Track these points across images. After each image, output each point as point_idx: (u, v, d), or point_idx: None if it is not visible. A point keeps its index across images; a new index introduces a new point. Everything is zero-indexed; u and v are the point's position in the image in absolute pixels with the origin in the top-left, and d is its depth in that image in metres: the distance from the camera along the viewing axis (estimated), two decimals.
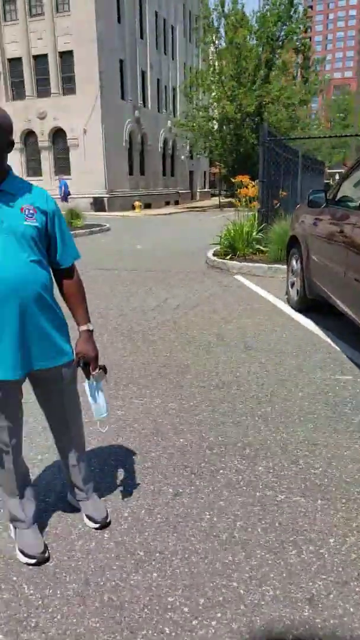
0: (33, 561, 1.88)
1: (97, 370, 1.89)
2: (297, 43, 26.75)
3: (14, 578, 1.84)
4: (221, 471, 2.48)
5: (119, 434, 2.84)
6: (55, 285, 1.85)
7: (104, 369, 1.91)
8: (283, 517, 2.14)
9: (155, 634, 1.60)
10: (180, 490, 2.33)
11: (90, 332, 1.86)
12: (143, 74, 31.25)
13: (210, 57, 28.05)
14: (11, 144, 1.69)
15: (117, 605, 1.70)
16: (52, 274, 1.81)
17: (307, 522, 2.11)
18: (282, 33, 26.05)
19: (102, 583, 1.80)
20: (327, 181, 24.06)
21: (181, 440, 2.78)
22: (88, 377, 1.89)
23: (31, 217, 1.69)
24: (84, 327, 1.85)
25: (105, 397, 1.98)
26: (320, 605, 1.71)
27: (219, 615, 1.67)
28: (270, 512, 2.17)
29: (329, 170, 28.83)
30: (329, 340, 4.48)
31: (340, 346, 4.30)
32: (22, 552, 1.92)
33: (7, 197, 1.68)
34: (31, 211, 1.70)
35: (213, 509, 2.20)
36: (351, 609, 1.69)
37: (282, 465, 2.52)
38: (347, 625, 1.63)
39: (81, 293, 1.87)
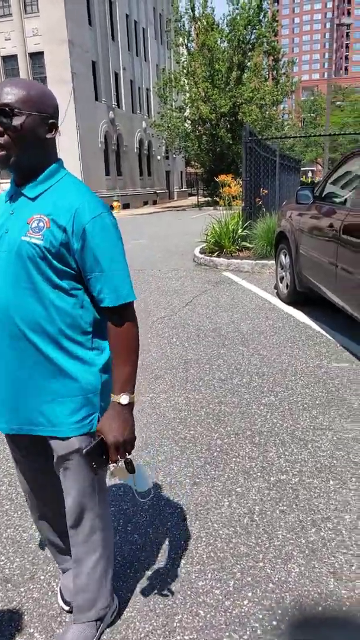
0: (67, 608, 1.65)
1: (118, 464, 1.34)
2: (267, 46, 27.08)
3: None
4: (234, 459, 2.54)
5: None
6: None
7: (129, 465, 1.33)
8: (299, 499, 2.21)
9: (191, 617, 1.65)
10: (197, 480, 2.38)
11: (124, 407, 1.29)
12: (116, 75, 31.18)
13: (182, 60, 28.17)
14: (51, 128, 1.26)
15: (149, 596, 1.75)
16: (82, 311, 1.31)
17: (322, 502, 2.19)
18: (253, 36, 26.35)
19: (131, 574, 1.84)
20: (301, 179, 24.43)
21: (191, 432, 2.83)
22: (95, 471, 1.32)
23: (37, 232, 1.22)
24: (116, 398, 1.30)
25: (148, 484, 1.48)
26: (344, 578, 1.78)
27: (249, 594, 1.73)
28: (286, 495, 2.25)
29: (302, 168, 29.29)
30: (321, 330, 4.59)
31: (333, 336, 4.42)
32: (61, 595, 1.69)
33: (23, 203, 1.27)
34: (41, 224, 1.22)
35: (231, 495, 2.26)
36: None
37: (292, 451, 2.60)
38: None
39: (126, 349, 1.30)
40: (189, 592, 1.74)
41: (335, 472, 2.41)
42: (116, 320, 1.29)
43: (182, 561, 1.88)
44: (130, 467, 1.33)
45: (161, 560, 1.89)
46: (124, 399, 1.29)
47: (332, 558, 1.88)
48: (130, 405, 1.31)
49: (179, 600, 1.71)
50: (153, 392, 3.37)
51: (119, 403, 1.29)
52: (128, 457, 1.33)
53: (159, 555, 1.92)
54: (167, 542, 1.98)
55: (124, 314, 1.29)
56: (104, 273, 1.25)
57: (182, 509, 2.18)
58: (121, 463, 1.33)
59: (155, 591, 1.75)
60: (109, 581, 1.55)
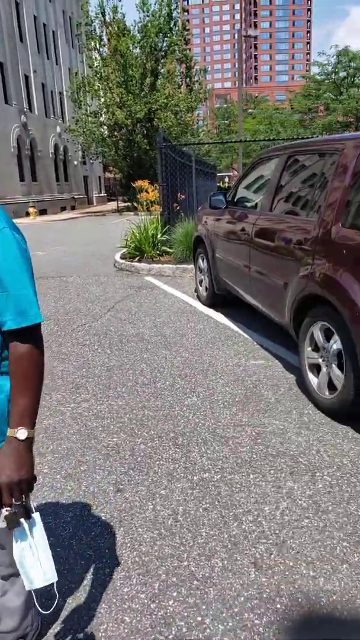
0: None
1: (10, 509, 1.17)
2: (179, 54, 27.69)
3: None
4: (158, 462, 2.56)
5: (49, 444, 2.80)
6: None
7: (23, 509, 1.17)
8: (221, 495, 2.28)
9: (116, 625, 1.64)
10: (121, 487, 2.37)
11: (21, 443, 1.16)
12: (26, 78, 30.24)
13: (95, 64, 27.96)
14: None
15: (74, 608, 1.71)
16: None
17: (243, 495, 2.27)
18: (165, 44, 26.83)
19: (53, 591, 1.79)
20: (217, 184, 25.22)
21: (114, 439, 2.82)
22: None
23: None
24: (12, 432, 1.17)
25: (44, 553, 1.21)
26: (264, 566, 1.86)
27: (174, 594, 1.76)
28: (209, 492, 2.31)
29: (218, 174, 30.32)
30: (239, 330, 4.77)
31: (250, 335, 4.60)
32: None
33: None
34: None
35: (155, 498, 2.28)
36: (290, 563, 1.87)
37: (214, 448, 2.67)
38: (289, 578, 1.81)
39: (25, 377, 1.19)
40: (114, 600, 1.73)
41: (255, 465, 2.51)
42: (18, 344, 1.18)
43: (107, 570, 1.87)
44: (26, 513, 1.18)
45: (85, 572, 1.86)
46: (21, 434, 1.16)
47: (253, 549, 1.96)
48: (29, 440, 1.18)
49: (104, 610, 1.69)
50: (74, 402, 3.31)
51: (15, 438, 1.16)
52: (24, 500, 1.17)
53: (83, 566, 1.89)
54: (91, 552, 1.96)
55: (28, 337, 1.18)
56: (5, 293, 1.15)
57: (106, 517, 2.16)
58: (13, 508, 1.16)
59: (80, 604, 1.72)
60: (35, 600, 1.51)
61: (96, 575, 1.85)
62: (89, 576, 1.84)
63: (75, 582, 1.82)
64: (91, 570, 1.87)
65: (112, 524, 2.12)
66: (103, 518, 2.15)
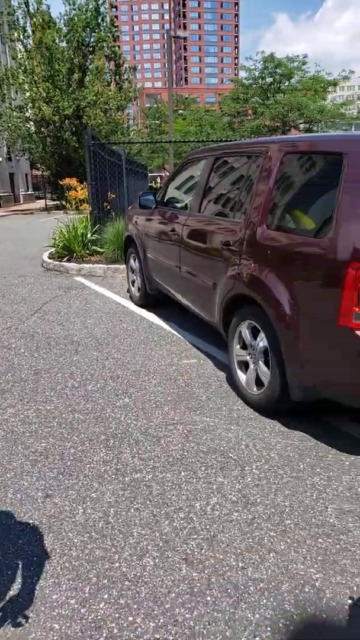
0: None
1: None
2: (108, 51, 27.40)
3: None
4: (88, 466, 2.53)
5: None
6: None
7: None
8: (153, 495, 2.29)
9: (45, 633, 1.60)
10: (50, 492, 2.31)
11: None
12: None
13: (19, 56, 26.92)
14: None
15: (1, 618, 1.65)
16: None
17: (174, 493, 2.30)
18: (92, 39, 26.42)
19: None
20: (150, 184, 25.24)
21: (43, 444, 2.74)
22: None
23: None
24: None
25: None
26: (195, 562, 1.90)
27: (105, 596, 1.74)
28: (140, 492, 2.31)
29: (150, 174, 30.37)
30: (171, 330, 4.81)
31: (181, 334, 4.66)
32: None
33: None
34: None
35: (85, 502, 2.25)
36: (221, 557, 1.92)
37: (145, 449, 2.68)
38: (219, 571, 1.85)
39: None
40: (42, 608, 1.69)
41: (186, 463, 2.55)
42: None
43: (35, 578, 1.82)
44: None
45: (12, 582, 1.80)
46: None
47: (185, 545, 1.98)
48: None
49: (32, 619, 1.64)
50: (14, 407, 3.18)
51: None
52: None
53: (10, 577, 1.82)
54: (18, 562, 1.89)
55: None
56: None
57: (35, 523, 2.10)
58: None
59: (5, 617, 1.66)
60: None
61: (24, 584, 1.79)
62: (15, 586, 1.78)
63: (0, 594, 1.75)
64: (18, 580, 1.81)
65: (41, 530, 2.06)
66: (31, 525, 2.09)
